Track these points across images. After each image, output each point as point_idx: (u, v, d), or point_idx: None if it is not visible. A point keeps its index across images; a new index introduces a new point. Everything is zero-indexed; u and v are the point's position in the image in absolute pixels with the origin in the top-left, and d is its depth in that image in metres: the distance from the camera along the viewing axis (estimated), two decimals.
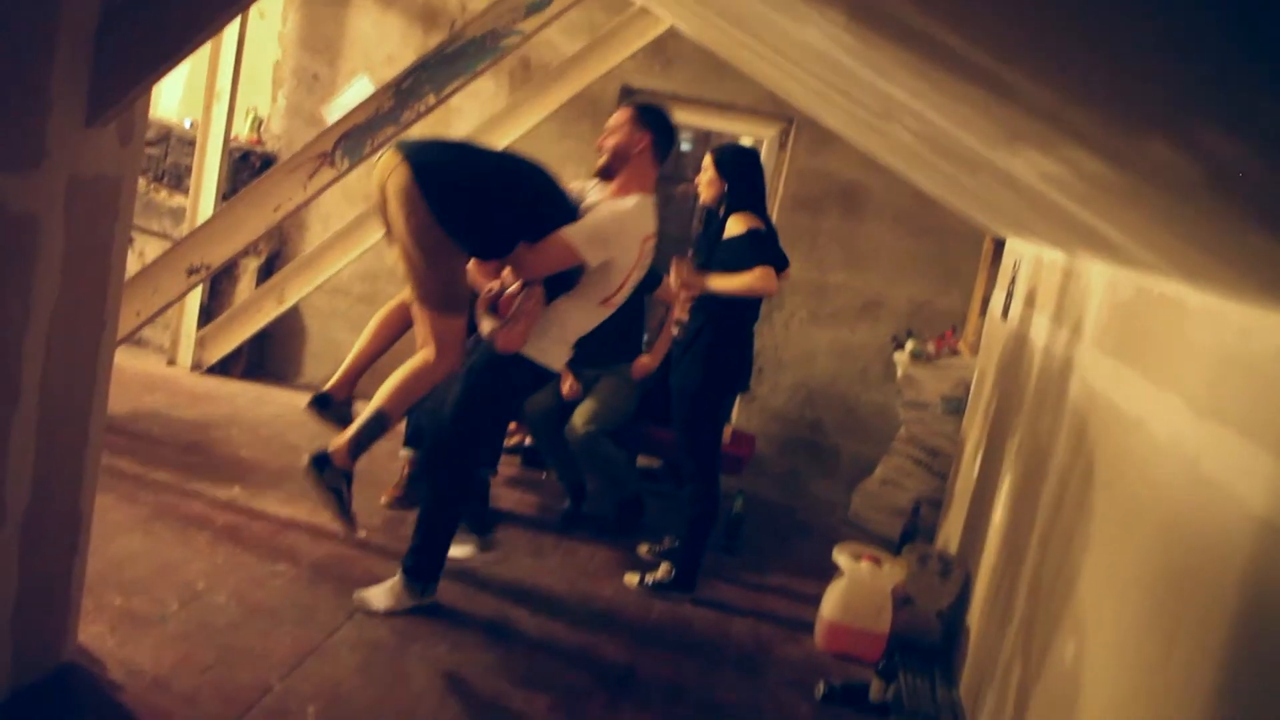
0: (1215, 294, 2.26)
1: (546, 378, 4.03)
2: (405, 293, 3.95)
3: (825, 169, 6.62)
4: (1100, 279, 3.40)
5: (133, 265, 5.75)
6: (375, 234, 6.68)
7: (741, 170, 4.57)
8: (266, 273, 7.04)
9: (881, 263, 6.67)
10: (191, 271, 5.46)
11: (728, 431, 5.66)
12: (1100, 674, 2.55)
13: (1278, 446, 1.83)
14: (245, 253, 6.40)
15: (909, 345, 6.09)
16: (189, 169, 6.80)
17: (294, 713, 3.23)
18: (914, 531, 5.51)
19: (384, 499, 5.12)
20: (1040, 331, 4.19)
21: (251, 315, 6.81)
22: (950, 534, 5.35)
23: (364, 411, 3.84)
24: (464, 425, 3.94)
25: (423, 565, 4.00)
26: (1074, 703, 2.69)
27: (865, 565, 4.47)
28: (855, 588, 4.43)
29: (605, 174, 4.04)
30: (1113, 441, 2.83)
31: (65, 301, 2.84)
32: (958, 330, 6.44)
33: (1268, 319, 1.97)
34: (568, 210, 3.92)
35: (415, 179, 3.61)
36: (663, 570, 4.68)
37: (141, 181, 6.96)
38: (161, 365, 6.80)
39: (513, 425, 5.80)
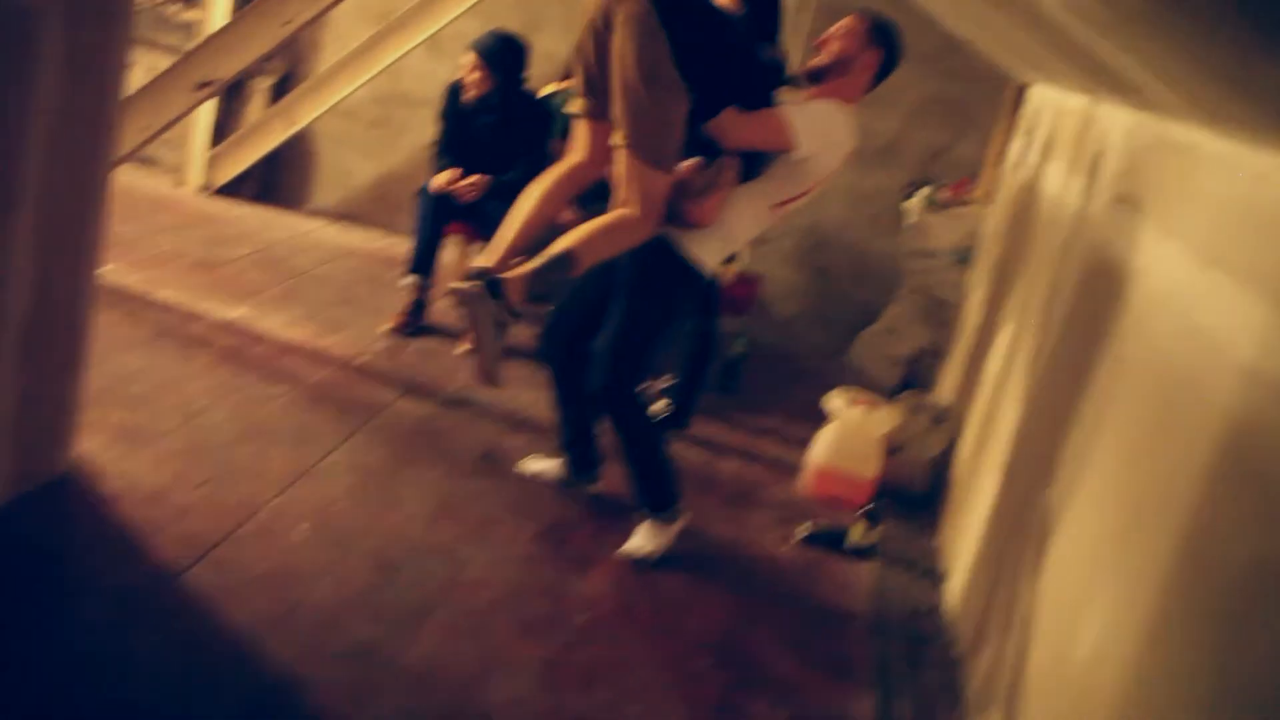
0: (1233, 139, 2.21)
1: (699, 281, 3.59)
2: (572, 157, 3.56)
3: (852, 5, 6.42)
4: (1118, 125, 3.31)
5: (143, 81, 5.69)
6: (389, 56, 6.58)
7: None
8: (279, 93, 6.95)
9: (900, 106, 6.52)
10: (200, 86, 5.39)
11: (732, 271, 5.64)
12: (1078, 518, 2.58)
13: (1275, 295, 1.82)
14: (257, 70, 6.31)
15: (924, 191, 6.00)
16: None
17: (285, 530, 3.30)
18: (913, 381, 5.54)
19: (384, 326, 5.15)
20: (1055, 182, 4.11)
21: (261, 137, 6.75)
22: (948, 385, 5.36)
23: (551, 248, 3.35)
24: (630, 345, 3.53)
25: (658, 494, 3.69)
26: (1052, 546, 2.73)
27: (857, 410, 4.50)
28: (846, 432, 4.45)
29: (816, 76, 3.61)
30: (1114, 293, 2.80)
31: (65, 105, 2.80)
32: (973, 179, 6.35)
33: None
34: (772, 89, 3.54)
35: (656, 7, 3.20)
36: (660, 406, 4.74)
37: None
38: (170, 185, 6.78)
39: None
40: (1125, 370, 2.54)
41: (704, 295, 4.63)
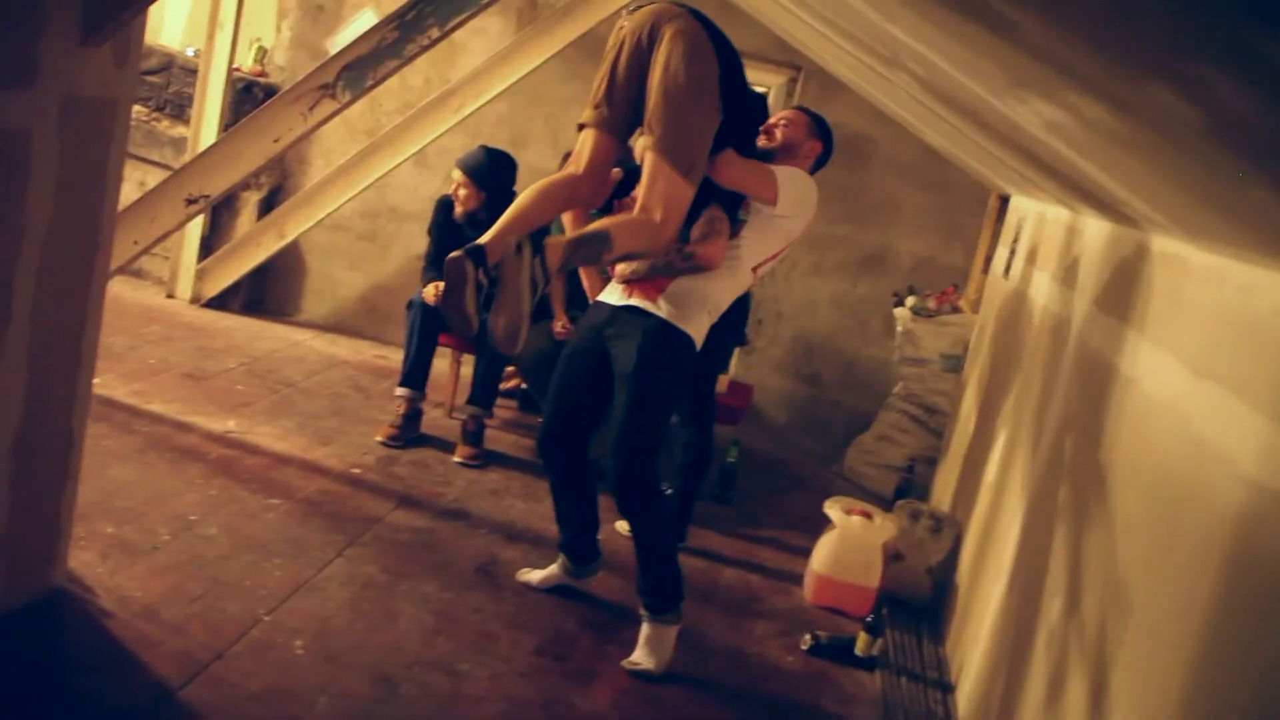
0: (1216, 252, 2.24)
1: (692, 353, 3.59)
2: (571, 168, 3.51)
3: (832, 119, 6.50)
4: (1102, 237, 3.37)
5: (133, 194, 5.72)
6: (377, 170, 6.64)
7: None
8: (267, 207, 7.00)
9: (885, 216, 6.63)
10: (190, 201, 5.42)
11: (724, 381, 5.64)
12: (1086, 630, 2.55)
13: (1271, 408, 1.82)
14: (245, 185, 6.36)
15: (910, 301, 6.05)
16: (191, 99, 6.73)
17: (281, 645, 3.23)
18: (908, 488, 5.52)
19: (378, 436, 5.11)
20: (1041, 290, 4.16)
21: (251, 249, 6.78)
22: (943, 492, 5.34)
23: (588, 228, 3.33)
24: (639, 430, 3.53)
25: (663, 593, 3.62)
26: (1059, 659, 2.69)
27: (856, 519, 4.47)
28: (846, 541, 4.43)
29: (764, 158, 3.77)
30: (1108, 400, 2.82)
31: (58, 223, 2.82)
32: (960, 287, 6.41)
33: (1268, 278, 1.95)
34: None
35: (708, 31, 3.33)
36: None
37: (143, 110, 6.89)
38: (160, 297, 6.78)
39: (509, 369, 5.77)
40: (1127, 477, 2.54)
41: (698, 403, 4.63)
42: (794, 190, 3.64)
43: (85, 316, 3.10)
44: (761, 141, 3.85)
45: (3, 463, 2.85)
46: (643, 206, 3.27)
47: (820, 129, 4.00)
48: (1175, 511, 2.17)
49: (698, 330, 3.58)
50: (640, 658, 3.59)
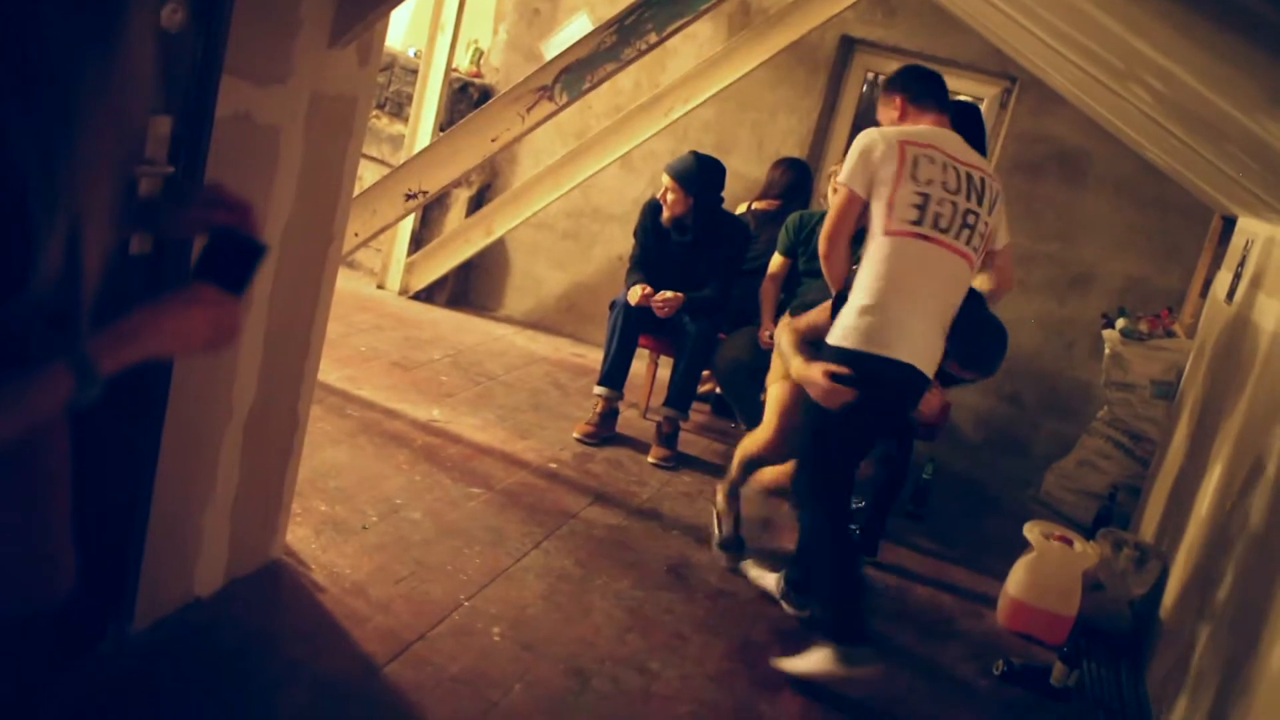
0: None
1: (885, 367, 3.39)
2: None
3: (1046, 132, 6.37)
4: None
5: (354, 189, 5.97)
6: (584, 171, 6.77)
7: (965, 127, 4.37)
8: (476, 204, 7.20)
9: (1097, 234, 6.41)
10: (409, 197, 5.63)
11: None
12: None
13: None
14: (458, 182, 6.56)
15: (1120, 323, 5.84)
16: (410, 97, 7.00)
17: (480, 631, 3.33)
18: (1109, 516, 5.32)
19: (575, 433, 5.21)
20: (1269, 317, 3.96)
21: (459, 245, 6.99)
22: (1148, 523, 5.14)
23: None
24: (807, 450, 3.66)
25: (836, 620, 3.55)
26: (1276, 708, 2.57)
27: (1057, 544, 4.33)
28: (1044, 566, 4.30)
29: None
30: None
31: (298, 212, 2.97)
32: (1174, 311, 6.15)
33: None
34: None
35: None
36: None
37: None
38: (371, 287, 7.06)
39: (705, 372, 5.80)
40: None
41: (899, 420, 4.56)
42: (850, 161, 3.50)
43: (316, 303, 3.25)
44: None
45: (237, 437, 3.03)
46: None
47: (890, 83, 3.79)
48: None
49: (840, 335, 3.45)
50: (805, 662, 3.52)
